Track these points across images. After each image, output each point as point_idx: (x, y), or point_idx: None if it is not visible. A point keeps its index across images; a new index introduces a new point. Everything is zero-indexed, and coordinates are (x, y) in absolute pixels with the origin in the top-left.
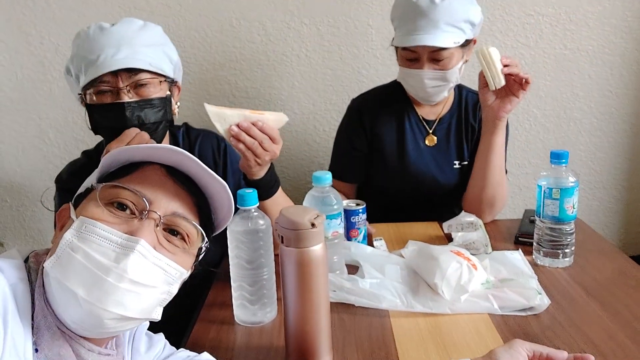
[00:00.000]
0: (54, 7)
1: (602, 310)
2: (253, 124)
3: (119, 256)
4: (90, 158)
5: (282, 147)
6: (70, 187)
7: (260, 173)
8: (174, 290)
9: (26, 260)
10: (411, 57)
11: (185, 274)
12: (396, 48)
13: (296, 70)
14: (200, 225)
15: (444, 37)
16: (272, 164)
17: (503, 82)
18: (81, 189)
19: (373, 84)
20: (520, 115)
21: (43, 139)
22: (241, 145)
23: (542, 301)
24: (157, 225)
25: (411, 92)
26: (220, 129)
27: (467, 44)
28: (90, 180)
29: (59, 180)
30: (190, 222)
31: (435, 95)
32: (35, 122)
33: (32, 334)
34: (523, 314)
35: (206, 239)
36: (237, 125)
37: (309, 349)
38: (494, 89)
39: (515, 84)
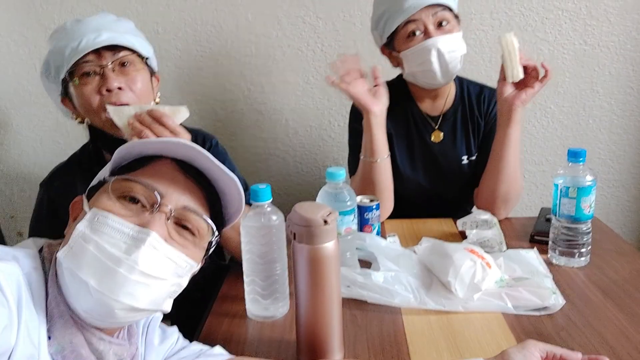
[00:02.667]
0: (73, 1)
1: (619, 311)
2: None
3: (130, 248)
4: (75, 161)
5: (296, 143)
6: (49, 192)
7: None
8: (184, 282)
9: (40, 251)
10: (414, 28)
11: (196, 266)
12: (388, 45)
13: (311, 65)
14: (211, 219)
15: None
16: None
17: (522, 75)
18: (94, 182)
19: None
20: (538, 112)
21: (60, 132)
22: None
23: (556, 301)
24: (168, 219)
25: (424, 75)
26: (119, 122)
27: (457, 19)
28: (103, 173)
29: (42, 184)
30: (201, 216)
31: (452, 63)
32: (52, 115)
33: (46, 321)
34: (537, 313)
35: (217, 233)
36: (134, 116)
37: (320, 344)
38: (511, 81)
39: (531, 78)
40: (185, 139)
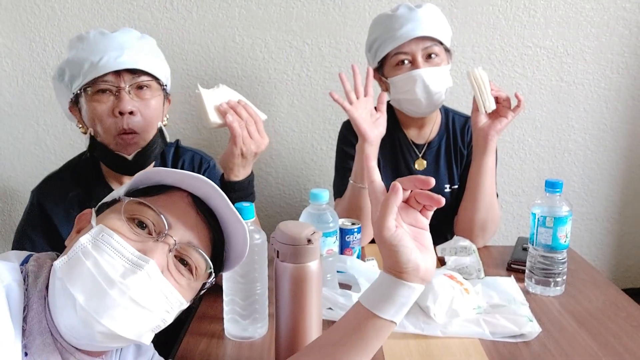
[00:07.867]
0: (59, 15)
1: (592, 340)
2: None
3: (126, 272)
4: (68, 170)
5: (279, 164)
6: (40, 199)
7: (239, 172)
8: (170, 318)
9: (23, 264)
10: (403, 58)
11: (185, 305)
12: (378, 70)
13: (296, 88)
14: (211, 260)
15: (433, 29)
16: (253, 176)
17: (494, 106)
18: (107, 199)
19: None
20: (515, 144)
21: (40, 145)
22: (233, 120)
23: (533, 328)
24: (170, 251)
25: (409, 103)
26: (207, 105)
27: (448, 53)
28: (118, 192)
29: (34, 191)
30: (202, 255)
31: (437, 95)
32: (33, 128)
33: (23, 337)
34: (514, 340)
35: (213, 276)
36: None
37: None
38: (484, 112)
39: (504, 108)
40: (266, 143)
